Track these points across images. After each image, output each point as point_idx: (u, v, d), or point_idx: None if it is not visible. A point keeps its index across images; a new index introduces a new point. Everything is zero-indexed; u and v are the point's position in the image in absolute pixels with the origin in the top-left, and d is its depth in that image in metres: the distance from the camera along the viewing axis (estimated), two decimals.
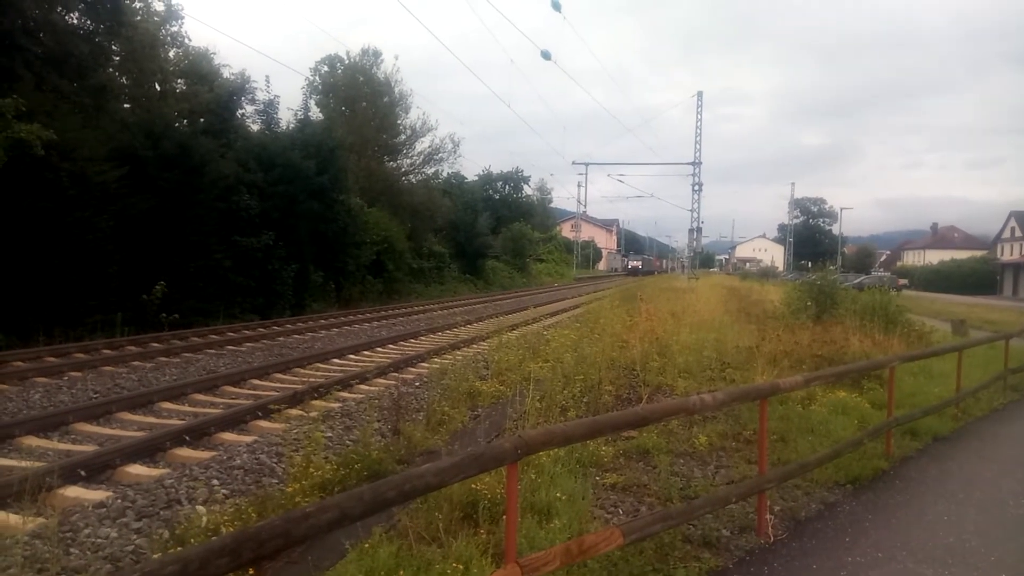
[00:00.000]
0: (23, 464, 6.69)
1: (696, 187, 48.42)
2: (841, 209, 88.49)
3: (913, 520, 5.83)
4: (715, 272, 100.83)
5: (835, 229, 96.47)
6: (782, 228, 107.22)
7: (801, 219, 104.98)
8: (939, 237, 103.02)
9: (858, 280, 48.50)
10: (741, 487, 5.17)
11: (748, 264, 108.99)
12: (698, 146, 47.97)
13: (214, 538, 3.75)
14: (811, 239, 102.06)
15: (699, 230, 51.86)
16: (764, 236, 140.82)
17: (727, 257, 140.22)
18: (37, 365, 11.81)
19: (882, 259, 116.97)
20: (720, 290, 34.55)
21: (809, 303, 18.09)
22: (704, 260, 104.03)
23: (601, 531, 3.95)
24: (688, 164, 48.73)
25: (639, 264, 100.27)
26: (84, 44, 18.75)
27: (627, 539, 3.96)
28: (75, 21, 19.47)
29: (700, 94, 47.93)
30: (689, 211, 49.60)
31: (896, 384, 8.18)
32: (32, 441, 7.59)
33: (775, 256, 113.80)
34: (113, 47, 21.06)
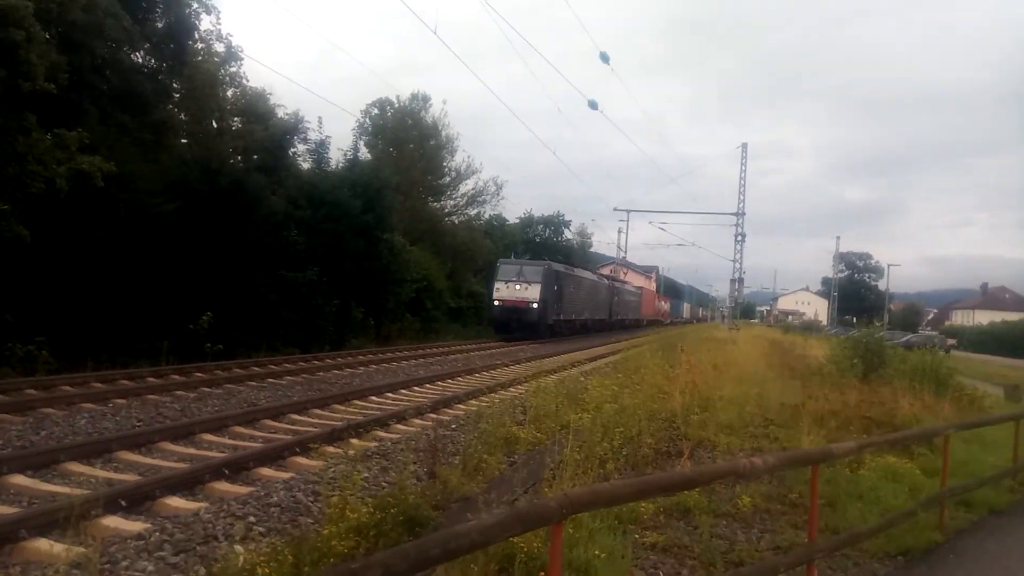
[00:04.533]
0: (66, 491, 6.80)
1: (739, 238, 48.08)
2: (888, 265, 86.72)
3: None
4: (756, 323, 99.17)
5: (881, 285, 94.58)
6: (826, 282, 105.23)
7: (846, 273, 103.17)
8: (989, 297, 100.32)
9: (905, 338, 47.27)
10: (791, 556, 4.98)
11: (790, 316, 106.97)
12: (742, 197, 47.71)
13: None
14: (856, 294, 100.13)
15: (741, 280, 51.34)
16: (807, 289, 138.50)
17: (768, 308, 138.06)
18: (84, 391, 12.05)
19: (929, 317, 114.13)
20: (762, 342, 33.97)
21: (856, 360, 17.64)
22: (745, 310, 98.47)
23: None
24: (731, 215, 48.44)
25: (527, 298, 32.71)
26: (148, 82, 19.52)
27: None
28: (140, 60, 20.34)
29: (745, 146, 47.93)
30: (731, 261, 49.08)
31: (949, 452, 7.87)
32: (76, 467, 7.70)
33: (818, 309, 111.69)
34: (174, 85, 21.91)
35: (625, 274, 67.41)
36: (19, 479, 7.10)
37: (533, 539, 4.97)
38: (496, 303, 33.49)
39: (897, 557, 6.30)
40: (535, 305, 32.55)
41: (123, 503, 6.37)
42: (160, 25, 20.17)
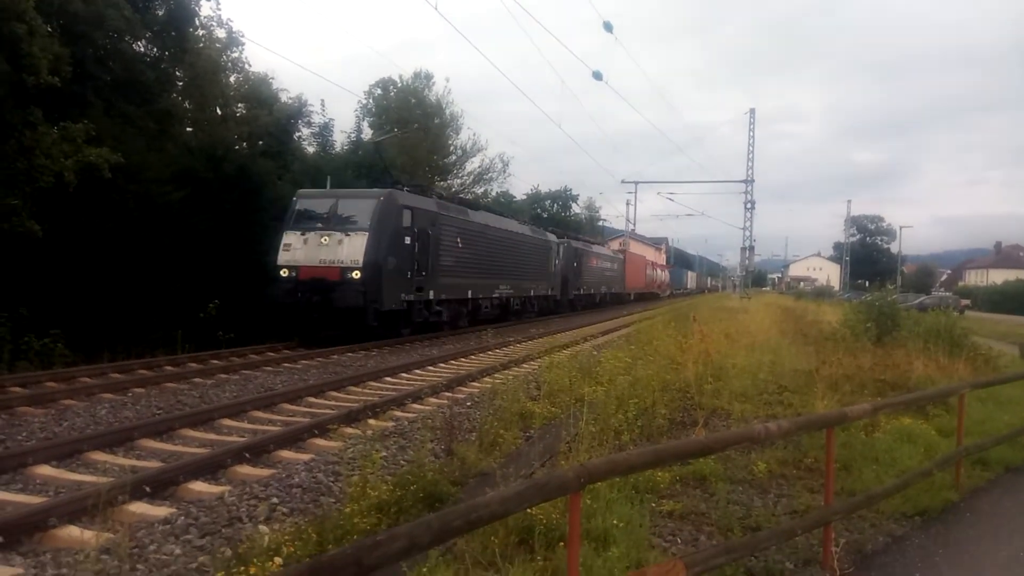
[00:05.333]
0: (91, 479, 6.93)
1: (749, 205, 47.81)
2: (900, 227, 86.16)
3: (987, 557, 5.58)
4: (767, 291, 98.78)
5: (893, 247, 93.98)
6: (838, 246, 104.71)
7: (858, 237, 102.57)
8: (1003, 256, 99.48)
9: (919, 300, 47.09)
10: (807, 519, 5.03)
11: (802, 283, 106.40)
12: (750, 164, 47.39)
13: (289, 567, 3.81)
14: (868, 258, 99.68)
15: (751, 248, 51.11)
16: (819, 255, 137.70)
17: (780, 276, 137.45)
18: (103, 381, 12.19)
19: (943, 278, 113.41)
20: (774, 310, 33.89)
21: (869, 324, 17.61)
22: (757, 278, 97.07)
23: (663, 563, 3.88)
24: (740, 182, 48.14)
25: (341, 261, 17.05)
26: (150, 71, 19.53)
27: (690, 572, 3.88)
28: (142, 49, 20.32)
29: (753, 111, 47.50)
30: (741, 229, 48.83)
31: (964, 411, 7.88)
32: (99, 456, 7.82)
33: (830, 275, 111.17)
34: (177, 73, 21.91)
35: (599, 241, 52.82)
36: (44, 469, 7.23)
37: (552, 511, 5.04)
38: (283, 273, 17.63)
39: (914, 517, 6.34)
40: (356, 274, 17.15)
41: (148, 489, 6.47)
42: (160, 13, 20.13)
